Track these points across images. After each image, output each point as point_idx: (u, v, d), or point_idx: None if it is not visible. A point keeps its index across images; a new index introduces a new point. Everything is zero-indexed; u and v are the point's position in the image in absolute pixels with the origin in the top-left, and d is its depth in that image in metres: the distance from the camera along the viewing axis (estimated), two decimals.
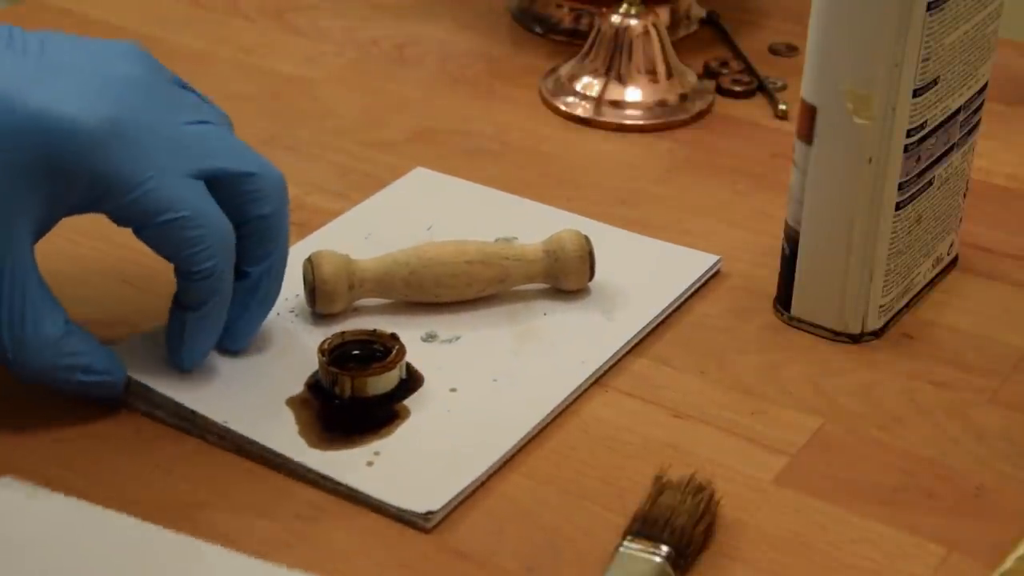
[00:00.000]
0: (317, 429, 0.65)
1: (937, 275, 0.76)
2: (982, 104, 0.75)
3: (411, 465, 0.63)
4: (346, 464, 0.63)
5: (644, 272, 0.75)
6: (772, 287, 0.74)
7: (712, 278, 0.76)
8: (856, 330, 0.72)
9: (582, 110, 0.92)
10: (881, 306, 0.72)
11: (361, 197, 0.82)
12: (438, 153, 0.87)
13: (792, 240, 0.72)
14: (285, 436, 0.64)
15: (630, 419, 0.67)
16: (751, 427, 0.67)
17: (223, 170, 0.64)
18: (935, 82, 0.69)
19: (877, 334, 0.73)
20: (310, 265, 0.71)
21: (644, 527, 0.59)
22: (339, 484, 0.62)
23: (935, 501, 0.63)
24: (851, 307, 0.72)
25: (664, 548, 0.58)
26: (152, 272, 0.76)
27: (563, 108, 0.92)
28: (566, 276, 0.73)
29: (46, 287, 0.63)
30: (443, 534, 0.61)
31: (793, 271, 0.72)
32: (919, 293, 0.75)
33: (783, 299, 0.73)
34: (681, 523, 0.59)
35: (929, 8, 0.66)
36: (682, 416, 0.68)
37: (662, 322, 0.73)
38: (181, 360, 0.66)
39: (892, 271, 0.71)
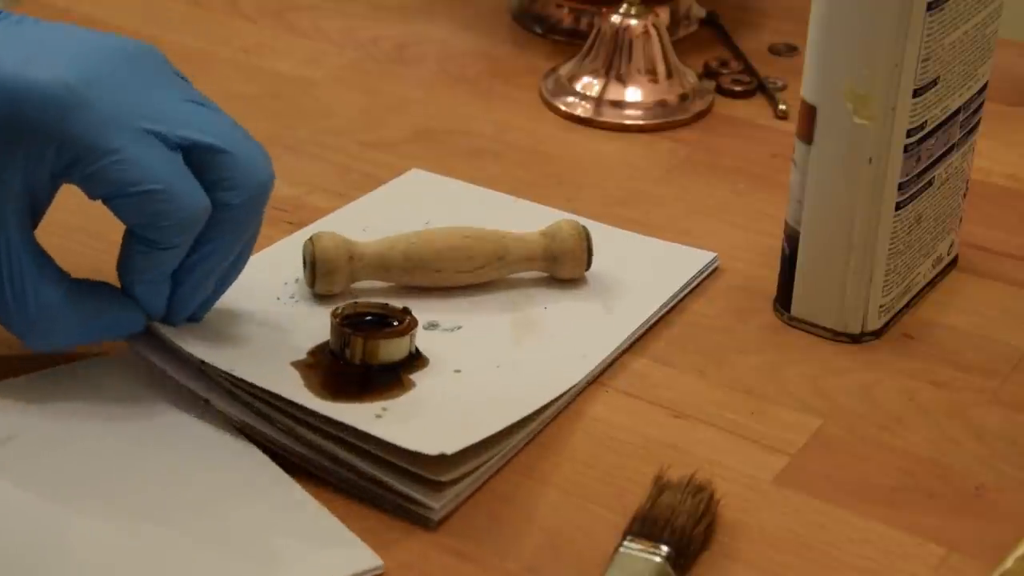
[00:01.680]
0: (323, 389, 0.65)
1: (937, 275, 0.76)
2: (982, 104, 0.75)
3: (422, 419, 0.63)
4: (354, 413, 0.63)
5: (642, 269, 0.76)
6: (772, 287, 0.74)
7: (712, 278, 0.76)
8: (856, 330, 0.72)
9: (582, 110, 0.92)
10: (881, 306, 0.72)
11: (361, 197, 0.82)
12: (438, 153, 0.87)
13: (792, 240, 0.72)
14: (292, 387, 0.64)
15: (630, 419, 0.67)
16: (751, 427, 0.67)
17: (199, 142, 0.62)
18: (935, 82, 0.69)
19: (877, 334, 0.73)
20: (310, 243, 0.71)
21: (644, 527, 0.59)
22: (347, 428, 0.61)
23: (935, 501, 0.63)
24: (851, 307, 0.72)
25: (664, 548, 0.58)
26: None
27: (563, 108, 0.92)
28: (564, 261, 0.73)
29: (45, 256, 0.63)
30: (443, 534, 0.61)
31: (793, 271, 0.72)
32: (919, 293, 0.75)
33: (783, 299, 0.73)
34: (681, 523, 0.59)
35: (929, 8, 0.66)
36: (682, 416, 0.68)
37: (661, 320, 0.73)
38: (154, 313, 0.66)
39: (892, 271, 0.71)
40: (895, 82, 0.67)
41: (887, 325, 0.73)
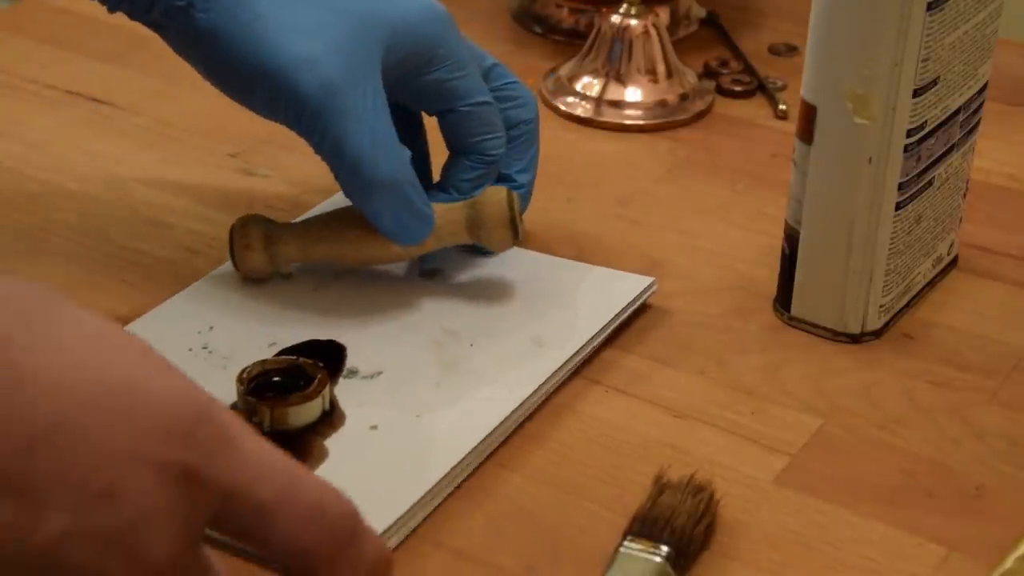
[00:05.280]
0: None
1: (937, 275, 0.76)
2: (982, 104, 0.75)
3: None
4: None
5: (576, 298, 0.73)
6: (772, 287, 0.74)
7: (712, 278, 0.76)
8: (856, 330, 0.72)
9: (582, 110, 0.92)
10: (881, 306, 0.72)
11: None
12: (436, 153, 0.87)
13: (792, 240, 0.72)
14: None
15: (630, 419, 0.67)
16: (751, 427, 0.67)
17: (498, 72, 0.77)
18: (935, 82, 0.69)
19: (877, 334, 0.73)
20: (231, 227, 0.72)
21: (644, 527, 0.59)
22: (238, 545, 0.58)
23: (935, 501, 0.63)
24: (851, 307, 0.72)
25: (664, 548, 0.58)
26: (152, 272, 0.76)
27: (563, 108, 0.92)
28: (489, 228, 0.71)
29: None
30: (443, 534, 0.61)
31: (793, 271, 0.72)
32: (919, 293, 0.75)
33: (783, 299, 0.73)
34: (681, 523, 0.59)
35: (929, 8, 0.66)
36: (682, 416, 0.68)
37: (658, 323, 0.73)
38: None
39: (892, 271, 0.71)
40: (895, 82, 0.67)
41: (887, 325, 0.73)
